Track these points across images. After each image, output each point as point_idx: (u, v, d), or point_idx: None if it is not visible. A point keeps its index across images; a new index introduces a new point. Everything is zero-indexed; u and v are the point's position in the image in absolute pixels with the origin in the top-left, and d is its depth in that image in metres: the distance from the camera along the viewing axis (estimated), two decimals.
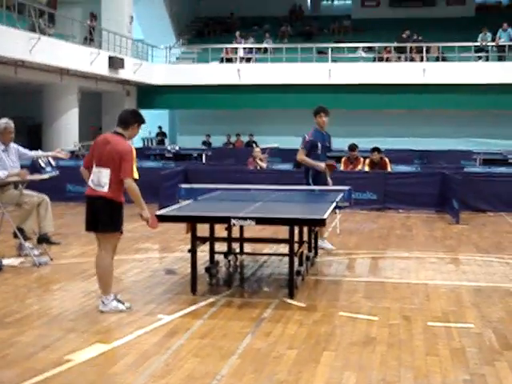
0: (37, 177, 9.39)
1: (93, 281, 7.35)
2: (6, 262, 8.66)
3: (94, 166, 6.64)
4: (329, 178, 9.67)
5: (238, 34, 31.35)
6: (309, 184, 9.65)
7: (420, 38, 29.42)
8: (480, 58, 28.45)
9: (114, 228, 6.63)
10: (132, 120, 6.74)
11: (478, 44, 28.53)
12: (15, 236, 9.11)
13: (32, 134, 26.44)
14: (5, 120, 9.32)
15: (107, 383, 4.79)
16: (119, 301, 6.71)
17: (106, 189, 6.52)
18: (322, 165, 9.60)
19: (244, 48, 30.68)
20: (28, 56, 20.04)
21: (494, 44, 28.27)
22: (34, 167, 10.11)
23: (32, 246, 9.24)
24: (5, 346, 5.58)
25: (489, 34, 28.65)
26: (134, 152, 6.72)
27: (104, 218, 6.58)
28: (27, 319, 6.36)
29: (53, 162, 9.61)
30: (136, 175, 6.72)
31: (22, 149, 9.49)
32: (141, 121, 6.81)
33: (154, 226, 6.90)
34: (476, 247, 10.49)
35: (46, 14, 23.27)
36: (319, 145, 9.75)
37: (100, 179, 6.55)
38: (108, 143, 6.63)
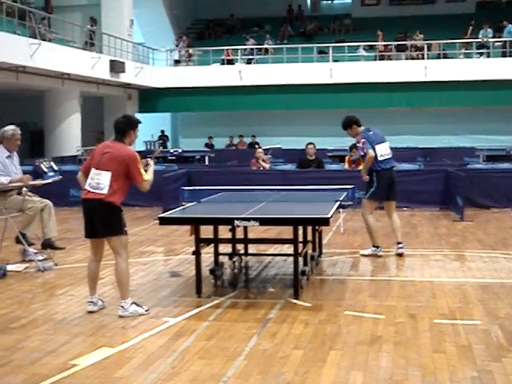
0: (39, 182, 9.38)
1: (98, 285, 7.32)
2: (10, 267, 8.67)
3: (93, 169, 6.63)
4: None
5: (248, 36, 31.54)
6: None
7: (421, 35, 29.38)
8: (481, 54, 28.40)
9: (116, 231, 6.59)
10: (127, 127, 6.80)
11: (479, 40, 28.47)
12: (17, 241, 9.10)
13: (34, 140, 26.48)
14: (12, 127, 9.30)
15: None
16: (138, 305, 6.70)
17: (105, 191, 6.49)
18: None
19: (244, 49, 30.68)
20: (29, 62, 20.05)
21: (495, 40, 28.21)
22: (36, 172, 10.10)
23: (36, 252, 9.25)
24: (10, 351, 5.57)
25: (489, 31, 28.62)
26: (138, 156, 6.71)
27: (104, 222, 6.56)
28: (32, 324, 6.35)
29: (55, 167, 9.60)
30: (146, 176, 6.68)
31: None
32: (136, 125, 6.87)
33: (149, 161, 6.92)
34: (481, 244, 10.45)
35: (47, 20, 23.32)
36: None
37: (99, 182, 6.53)
38: (110, 148, 6.67)
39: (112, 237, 6.60)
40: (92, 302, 6.88)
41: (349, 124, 9.55)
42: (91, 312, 6.82)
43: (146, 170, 6.76)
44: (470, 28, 29.11)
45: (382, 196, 9.50)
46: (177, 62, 30.94)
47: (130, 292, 7.47)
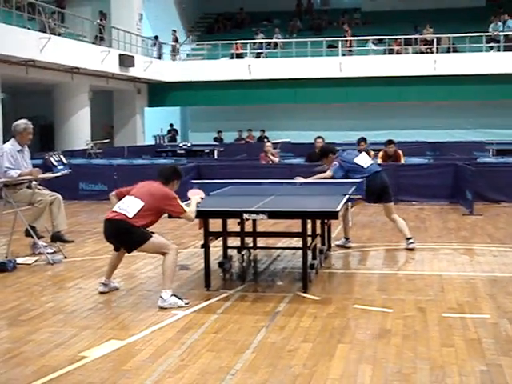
0: (49, 175, 9.41)
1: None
2: (20, 260, 8.71)
3: (128, 196, 6.85)
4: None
5: (258, 30, 31.58)
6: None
7: (431, 29, 29.28)
8: (491, 48, 28.27)
9: (142, 240, 6.69)
10: (173, 176, 7.06)
11: (489, 34, 28.34)
12: (27, 234, 9.14)
13: (44, 134, 26.54)
14: (24, 121, 9.32)
15: (122, 379, 4.79)
16: (178, 297, 6.74)
17: (130, 215, 6.65)
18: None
19: (253, 43, 30.64)
20: (39, 56, 20.12)
21: (505, 34, 28.09)
22: (46, 165, 10.13)
23: (46, 245, 9.28)
24: (20, 343, 5.60)
25: (500, 24, 28.48)
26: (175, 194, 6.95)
27: (125, 239, 6.75)
28: (41, 317, 6.38)
29: (64, 160, 9.62)
30: (187, 208, 6.94)
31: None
32: (181, 176, 7.19)
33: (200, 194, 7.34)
34: (490, 238, 10.42)
35: (56, 14, 23.36)
36: None
37: (129, 206, 6.71)
38: (150, 185, 6.95)
39: (141, 247, 6.73)
40: (104, 283, 7.18)
41: (325, 153, 9.56)
42: (102, 293, 7.09)
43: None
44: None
45: (372, 199, 9.56)
46: (175, 54, 30.93)
47: (140, 285, 7.52)
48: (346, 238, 9.80)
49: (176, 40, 31.53)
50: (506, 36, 28.09)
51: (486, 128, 28.68)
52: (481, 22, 28.89)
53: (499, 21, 28.66)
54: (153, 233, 6.81)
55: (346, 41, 29.38)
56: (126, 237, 6.72)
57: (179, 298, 6.70)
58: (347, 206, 9.37)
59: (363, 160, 9.55)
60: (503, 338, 5.64)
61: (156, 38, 30.32)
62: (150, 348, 5.45)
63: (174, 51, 31.06)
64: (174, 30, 31.91)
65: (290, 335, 5.73)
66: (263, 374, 4.86)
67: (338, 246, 9.68)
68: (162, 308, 6.57)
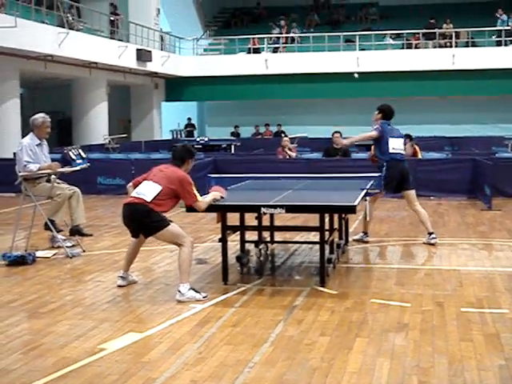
0: (68, 169, 9.47)
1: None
2: (39, 254, 8.76)
3: (146, 181, 6.88)
4: None
5: (283, 22, 31.43)
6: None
7: (450, 24, 29.10)
8: (511, 42, 28.04)
9: (160, 225, 6.70)
10: (187, 156, 7.09)
11: (508, 28, 28.11)
12: (46, 228, 9.20)
13: (62, 129, 26.72)
14: (42, 115, 9.37)
15: (141, 371, 4.82)
16: (196, 290, 6.76)
17: (148, 199, 6.67)
18: None
19: (270, 38, 30.61)
20: (57, 51, 20.23)
21: None
22: (64, 159, 10.19)
23: (64, 238, 9.34)
24: (39, 336, 5.64)
25: None
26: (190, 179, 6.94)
27: (144, 223, 6.74)
28: (61, 309, 6.42)
29: (83, 154, 9.67)
30: (200, 197, 6.92)
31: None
32: (194, 155, 7.24)
33: (221, 192, 7.27)
34: (509, 233, 10.36)
35: (75, 9, 23.46)
36: None
37: (147, 191, 6.73)
38: (166, 169, 6.98)
39: (158, 233, 6.72)
40: (122, 276, 7.24)
41: (382, 110, 9.64)
42: (120, 286, 7.15)
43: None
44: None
45: (391, 187, 9.43)
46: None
47: (158, 279, 7.56)
48: (365, 233, 9.77)
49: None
50: None
51: (505, 123, 28.47)
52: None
53: None
54: (171, 221, 6.82)
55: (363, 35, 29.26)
56: (145, 220, 6.70)
57: (197, 292, 6.73)
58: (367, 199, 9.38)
59: (395, 144, 9.45)
60: None
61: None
62: (168, 341, 5.48)
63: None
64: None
65: (308, 329, 5.73)
66: (281, 367, 4.87)
67: (355, 240, 9.66)
68: (180, 302, 6.59)
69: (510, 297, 6.70)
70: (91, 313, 6.32)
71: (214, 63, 29.74)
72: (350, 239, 9.57)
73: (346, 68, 27.92)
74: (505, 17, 28.50)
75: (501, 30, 27.98)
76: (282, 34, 30.99)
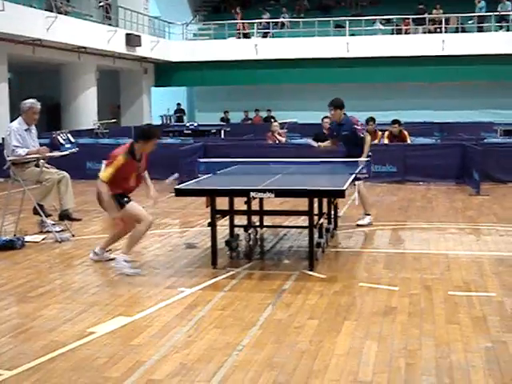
0: (56, 153, 9.43)
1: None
2: (28, 238, 8.75)
3: None
4: None
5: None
6: None
7: (439, 9, 29.07)
8: (500, 28, 28.07)
9: (120, 204, 7.07)
10: (139, 136, 7.20)
11: (497, 14, 28.13)
12: (35, 213, 9.19)
13: (51, 114, 26.53)
14: (31, 100, 9.33)
15: (130, 354, 4.84)
16: (129, 266, 7.10)
17: (101, 176, 7.02)
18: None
19: (260, 23, 30.50)
20: (46, 35, 20.08)
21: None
22: (53, 144, 10.15)
23: (53, 223, 9.32)
24: (29, 319, 5.65)
25: (508, 3, 28.25)
26: (120, 162, 6.99)
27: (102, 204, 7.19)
28: (50, 294, 6.43)
29: (72, 139, 9.64)
30: (102, 175, 7.03)
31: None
32: (144, 138, 7.18)
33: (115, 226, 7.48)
34: (497, 217, 10.42)
35: None
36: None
37: (102, 169, 7.18)
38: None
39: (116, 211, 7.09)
40: (95, 252, 7.59)
41: (342, 105, 9.76)
42: (92, 260, 7.59)
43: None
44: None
45: None
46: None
47: (147, 263, 7.57)
48: (367, 214, 9.86)
49: None
50: None
51: (495, 109, 28.54)
52: (490, 1, 28.64)
53: (508, 0, 28.43)
54: (128, 201, 7.04)
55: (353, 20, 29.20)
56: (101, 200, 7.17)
57: (129, 268, 7.03)
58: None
59: None
60: (508, 315, 5.67)
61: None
62: (157, 324, 5.50)
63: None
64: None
65: (296, 312, 5.77)
66: (269, 350, 4.90)
67: (358, 225, 9.67)
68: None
69: (497, 280, 6.75)
70: (80, 297, 6.33)
71: (203, 48, 29.61)
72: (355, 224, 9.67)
73: (335, 53, 27.89)
74: (482, 3, 28.48)
75: (483, 16, 27.98)
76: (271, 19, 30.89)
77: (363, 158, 9.47)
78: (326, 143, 10.18)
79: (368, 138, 9.68)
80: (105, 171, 7.01)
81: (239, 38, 30.03)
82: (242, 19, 30.78)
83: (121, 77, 28.78)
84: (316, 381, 4.39)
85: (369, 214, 9.85)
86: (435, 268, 7.30)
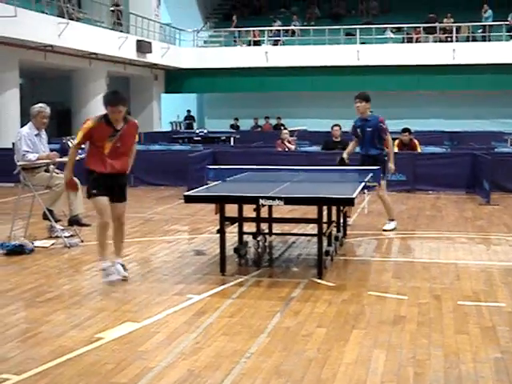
0: (67, 159, 9.43)
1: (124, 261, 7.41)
2: (37, 243, 8.77)
3: None
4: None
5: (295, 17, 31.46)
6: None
7: (451, 18, 29.06)
8: (511, 37, 28.01)
9: (88, 193, 7.11)
10: (106, 102, 7.28)
11: (508, 23, 28.08)
12: (45, 218, 9.21)
13: (61, 119, 26.64)
14: (40, 105, 9.38)
15: (137, 360, 4.83)
16: (106, 270, 7.05)
17: (83, 155, 7.19)
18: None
19: (271, 30, 30.56)
20: (57, 41, 20.20)
21: None
22: (63, 150, 10.18)
23: (63, 228, 9.34)
24: (37, 324, 5.65)
25: None
26: (89, 125, 7.06)
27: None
28: (58, 299, 6.43)
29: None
30: (76, 141, 7.14)
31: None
32: (108, 103, 7.22)
33: (69, 187, 7.50)
34: (507, 227, 10.37)
35: None
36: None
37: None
38: None
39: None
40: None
41: (369, 99, 10.04)
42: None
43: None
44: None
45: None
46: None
47: (155, 269, 7.56)
48: (392, 220, 10.00)
49: None
50: None
51: (506, 118, 28.45)
52: (500, 10, 28.60)
53: None
54: (96, 194, 6.99)
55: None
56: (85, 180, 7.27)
57: (106, 272, 6.97)
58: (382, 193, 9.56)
59: None
60: None
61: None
62: (165, 331, 5.49)
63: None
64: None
65: (305, 320, 5.75)
66: (277, 358, 4.88)
67: (385, 230, 9.86)
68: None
69: (506, 290, 6.71)
70: (88, 302, 6.33)
71: (213, 55, 29.71)
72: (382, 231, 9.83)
73: (346, 61, 27.92)
74: (489, 12, 28.47)
75: (488, 26, 27.93)
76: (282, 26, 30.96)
77: (392, 166, 9.61)
78: (350, 147, 10.23)
79: (390, 140, 9.77)
80: (76, 139, 7.05)
81: (235, 46, 30.08)
82: (236, 27, 30.89)
83: (131, 83, 28.88)
84: None
85: (393, 220, 9.99)
86: (444, 277, 7.26)
